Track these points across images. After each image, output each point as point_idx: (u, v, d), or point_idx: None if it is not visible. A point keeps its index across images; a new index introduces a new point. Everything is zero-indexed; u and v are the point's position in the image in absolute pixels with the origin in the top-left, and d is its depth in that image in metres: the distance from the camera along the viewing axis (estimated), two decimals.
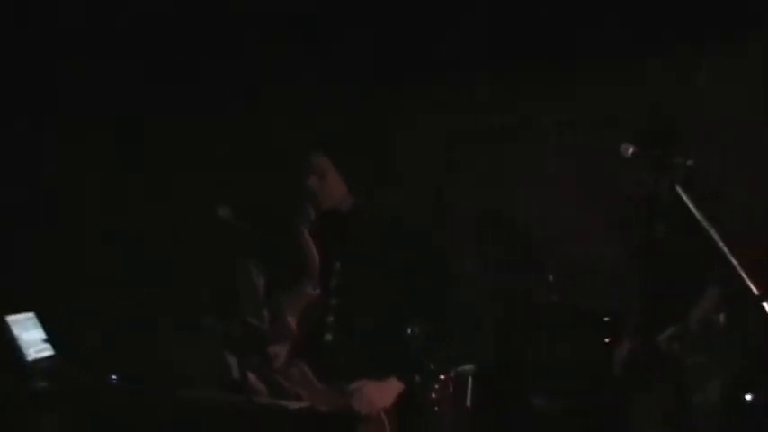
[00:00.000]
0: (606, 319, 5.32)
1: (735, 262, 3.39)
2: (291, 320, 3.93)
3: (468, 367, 5.18)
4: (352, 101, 5.96)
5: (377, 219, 4.06)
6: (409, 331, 3.95)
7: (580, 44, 5.93)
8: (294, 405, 3.61)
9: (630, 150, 3.81)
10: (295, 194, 4.01)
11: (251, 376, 3.74)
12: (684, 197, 3.53)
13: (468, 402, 5.14)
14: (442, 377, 5.00)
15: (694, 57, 5.83)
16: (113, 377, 3.97)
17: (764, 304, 3.32)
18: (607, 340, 5.25)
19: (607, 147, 4.06)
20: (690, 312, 4.96)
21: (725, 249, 3.41)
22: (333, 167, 4.07)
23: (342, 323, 3.91)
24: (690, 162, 3.74)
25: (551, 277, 5.75)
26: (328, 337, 3.89)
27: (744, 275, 3.38)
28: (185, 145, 5.76)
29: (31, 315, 4.32)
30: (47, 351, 4.29)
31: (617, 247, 5.35)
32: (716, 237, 3.43)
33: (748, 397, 4.91)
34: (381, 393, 3.77)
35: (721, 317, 5.05)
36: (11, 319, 4.20)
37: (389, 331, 3.88)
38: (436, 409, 4.61)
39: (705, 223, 3.45)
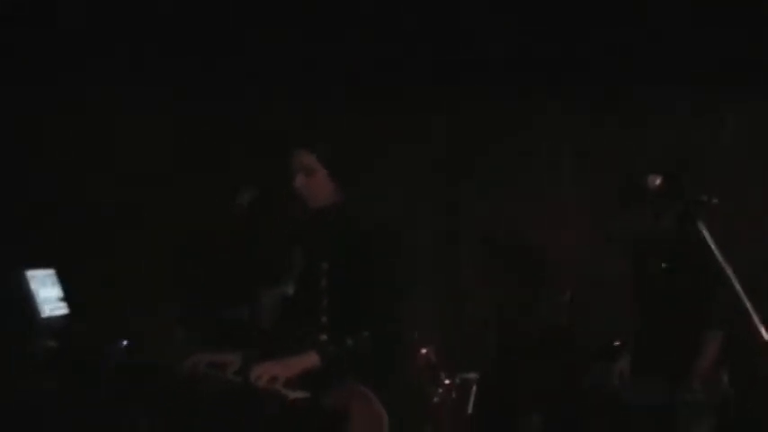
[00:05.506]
0: (617, 343, 5.33)
1: (749, 304, 3.36)
2: (267, 320, 3.87)
3: (472, 375, 5.19)
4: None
5: (366, 218, 3.88)
6: None
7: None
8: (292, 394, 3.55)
9: (658, 182, 3.77)
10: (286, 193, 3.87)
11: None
12: (707, 235, 3.50)
13: (470, 410, 5.18)
14: (447, 382, 5.04)
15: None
16: (124, 342, 3.95)
17: None
18: None
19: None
20: (692, 363, 4.94)
21: (740, 291, 3.38)
22: (321, 165, 3.86)
23: (335, 324, 3.82)
24: (715, 201, 3.70)
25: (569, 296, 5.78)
26: (323, 337, 3.82)
27: (756, 319, 3.34)
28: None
29: (51, 272, 4.31)
30: (62, 310, 4.30)
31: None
32: (733, 278, 3.40)
33: None
34: (280, 365, 3.61)
35: (725, 378, 5.00)
36: (30, 273, 4.19)
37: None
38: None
39: (723, 263, 3.43)
